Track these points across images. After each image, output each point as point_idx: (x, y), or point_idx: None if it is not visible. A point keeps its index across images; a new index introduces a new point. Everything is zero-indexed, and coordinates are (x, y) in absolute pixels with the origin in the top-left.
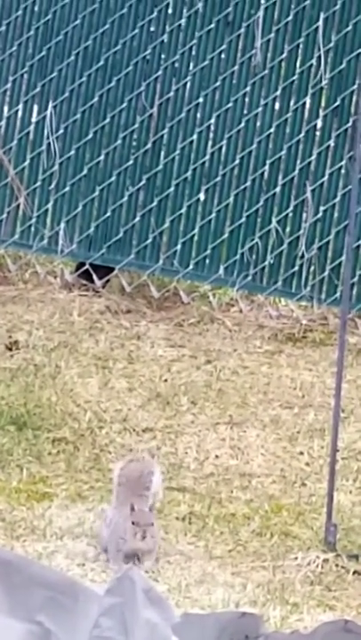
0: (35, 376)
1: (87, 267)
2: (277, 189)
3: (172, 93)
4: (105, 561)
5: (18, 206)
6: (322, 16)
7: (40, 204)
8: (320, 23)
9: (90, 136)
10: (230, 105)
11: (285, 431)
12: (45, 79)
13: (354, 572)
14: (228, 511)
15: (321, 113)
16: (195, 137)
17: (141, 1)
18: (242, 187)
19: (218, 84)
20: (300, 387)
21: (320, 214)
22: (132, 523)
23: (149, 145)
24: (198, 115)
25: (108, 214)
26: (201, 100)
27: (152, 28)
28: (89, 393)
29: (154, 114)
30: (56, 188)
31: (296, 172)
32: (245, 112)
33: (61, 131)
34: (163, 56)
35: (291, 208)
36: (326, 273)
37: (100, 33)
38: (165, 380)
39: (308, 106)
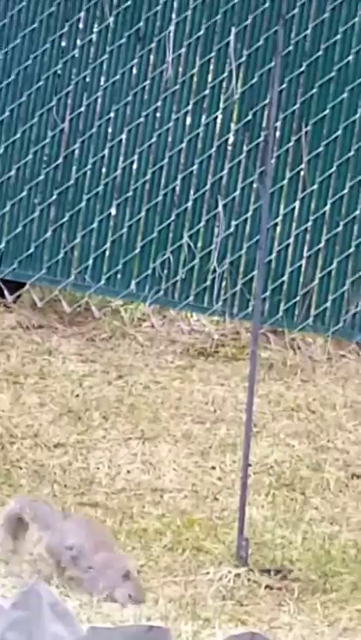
0: None
1: None
2: (189, 204)
3: (83, 108)
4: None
5: None
6: (233, 30)
7: None
8: (231, 37)
9: (1, 151)
10: (142, 120)
11: (197, 446)
12: None
13: (266, 587)
14: (140, 526)
15: (233, 127)
16: (106, 152)
17: (52, 15)
18: (153, 201)
19: (129, 98)
20: (212, 401)
21: (232, 229)
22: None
23: (60, 160)
24: (109, 129)
25: (19, 229)
26: (112, 114)
27: (63, 43)
28: (0, 408)
29: (65, 128)
30: None
31: (208, 186)
32: (157, 127)
33: None
34: (74, 70)
35: (202, 223)
36: (238, 287)
37: (10, 47)
38: (77, 396)
39: (219, 120)
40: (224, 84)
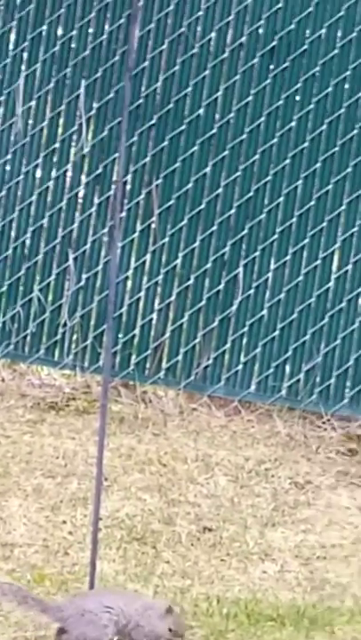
0: None
1: None
2: (39, 257)
3: None
4: None
5: None
6: (83, 83)
7: None
8: (81, 90)
9: None
10: None
11: (48, 500)
12: None
13: None
14: None
15: (83, 180)
16: None
17: None
18: (3, 254)
19: None
20: (63, 455)
21: (82, 282)
22: None
23: None
24: None
25: None
26: None
27: None
28: None
29: None
30: None
31: (58, 239)
32: (6, 180)
33: None
34: None
35: (53, 276)
36: (89, 341)
37: None
38: None
39: (69, 173)
40: (74, 137)
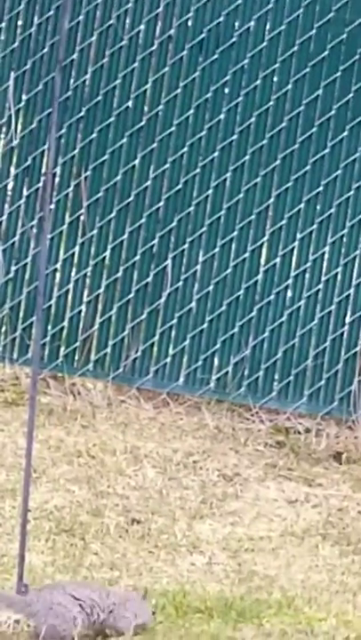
0: None
1: None
2: None
3: None
4: None
5: None
6: (12, 75)
7: None
8: (10, 82)
9: None
10: None
11: None
12: None
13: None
14: None
15: (12, 172)
16: None
17: None
18: None
19: None
20: None
21: (12, 274)
22: None
23: None
24: None
25: None
26: None
27: None
28: None
29: None
30: None
31: None
32: None
33: None
34: None
35: None
36: (18, 333)
37: None
38: None
39: None
40: (3, 129)
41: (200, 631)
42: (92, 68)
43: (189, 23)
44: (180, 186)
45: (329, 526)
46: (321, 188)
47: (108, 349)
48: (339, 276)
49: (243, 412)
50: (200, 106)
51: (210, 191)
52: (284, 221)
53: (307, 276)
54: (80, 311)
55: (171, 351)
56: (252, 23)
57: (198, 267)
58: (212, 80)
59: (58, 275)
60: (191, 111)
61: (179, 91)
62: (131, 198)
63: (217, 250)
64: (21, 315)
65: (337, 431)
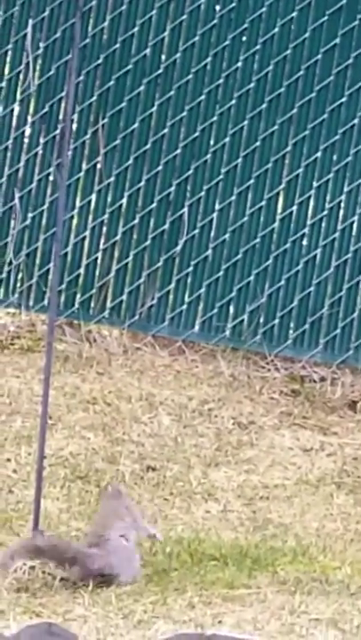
0: None
1: None
2: None
3: None
4: None
5: None
6: (30, 22)
7: None
8: (29, 29)
9: None
10: None
11: None
12: None
13: (60, 579)
14: None
15: (29, 119)
16: None
17: None
18: None
19: None
20: (8, 394)
21: (28, 221)
22: None
23: None
24: None
25: None
26: None
27: None
28: None
29: None
30: None
31: (4, 178)
32: None
33: None
34: None
35: None
36: (34, 280)
37: None
38: None
39: (16, 112)
40: (21, 76)
41: (215, 578)
42: (110, 15)
43: None
44: (197, 133)
45: (344, 475)
46: (338, 137)
47: (124, 297)
48: (355, 225)
49: (258, 360)
50: (218, 54)
51: (227, 139)
52: (300, 170)
53: (323, 224)
54: (96, 258)
55: (187, 299)
56: None
57: (215, 214)
58: (231, 28)
59: (74, 222)
60: (209, 59)
61: (196, 38)
62: (148, 146)
63: (233, 198)
64: (38, 262)
65: (352, 380)
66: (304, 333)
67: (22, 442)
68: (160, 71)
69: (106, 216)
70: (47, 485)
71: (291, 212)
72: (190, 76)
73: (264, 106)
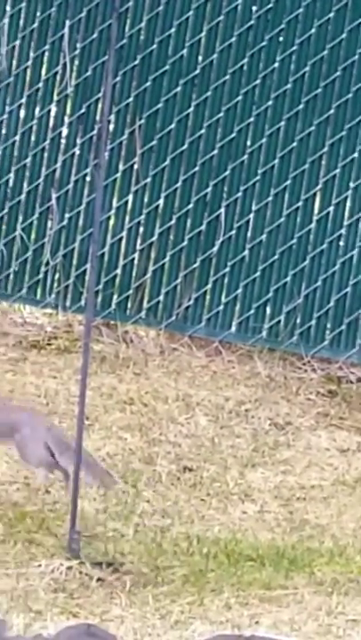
0: None
1: None
2: (22, 196)
3: None
4: None
5: None
6: (67, 23)
7: None
8: (66, 30)
9: None
10: None
11: None
12: None
13: (97, 580)
14: None
15: (66, 120)
16: None
17: None
18: None
19: None
20: (45, 394)
21: (65, 221)
22: None
23: None
24: None
25: None
26: None
27: None
28: None
29: None
30: None
31: (41, 179)
32: None
33: None
34: None
35: (36, 215)
36: (71, 280)
37: None
38: None
39: (53, 113)
40: (58, 77)
41: (252, 579)
42: (147, 16)
43: None
44: (233, 134)
45: None
46: None
47: (161, 297)
48: None
49: (295, 360)
50: (255, 54)
51: (264, 140)
52: (337, 170)
53: (360, 225)
54: (133, 259)
55: (223, 299)
56: None
57: (251, 215)
58: (268, 28)
59: (111, 222)
60: (246, 59)
61: (233, 39)
62: (184, 147)
63: (270, 199)
64: (75, 262)
65: None
66: (341, 334)
67: None
68: (197, 72)
69: (143, 217)
70: (84, 486)
71: (328, 213)
72: (227, 77)
73: (301, 106)
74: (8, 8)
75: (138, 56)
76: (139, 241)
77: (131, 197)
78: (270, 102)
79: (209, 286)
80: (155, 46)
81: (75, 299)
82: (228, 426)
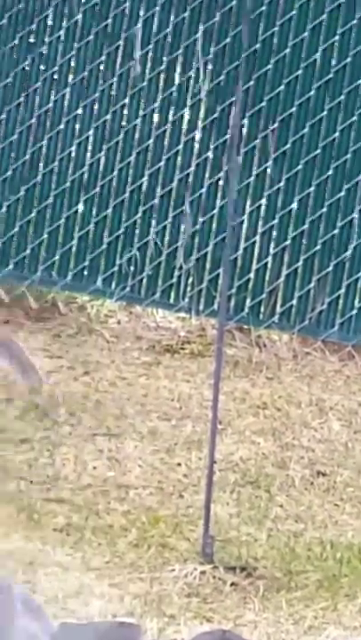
0: None
1: None
2: (156, 201)
3: (50, 104)
4: None
5: None
6: (201, 28)
7: None
8: (199, 35)
9: None
10: (109, 116)
11: (163, 443)
12: None
13: (231, 584)
14: (106, 522)
15: (200, 124)
16: (73, 148)
17: (21, 12)
18: (120, 198)
19: (97, 95)
20: (178, 398)
21: (198, 226)
22: None
23: (28, 156)
24: (77, 126)
25: None
26: (80, 111)
27: (31, 39)
28: None
29: (32, 125)
30: None
31: (175, 183)
32: (124, 124)
33: None
34: (42, 67)
35: (169, 219)
36: (204, 284)
37: None
38: (43, 391)
39: (186, 117)
40: (191, 82)
41: None
42: (280, 21)
43: None
44: None
45: None
46: None
47: (294, 301)
48: None
49: None
50: None
51: None
52: None
53: None
54: (266, 263)
55: (357, 304)
56: None
57: None
58: None
59: (244, 226)
60: None
61: None
62: (318, 151)
63: None
64: (208, 266)
65: None
66: None
67: (192, 447)
68: (330, 76)
69: (276, 221)
70: (217, 490)
71: None
72: None
73: None
74: (141, 13)
75: (271, 60)
76: (272, 245)
77: (264, 201)
78: None
79: (342, 290)
80: (288, 50)
81: (208, 303)
82: None
